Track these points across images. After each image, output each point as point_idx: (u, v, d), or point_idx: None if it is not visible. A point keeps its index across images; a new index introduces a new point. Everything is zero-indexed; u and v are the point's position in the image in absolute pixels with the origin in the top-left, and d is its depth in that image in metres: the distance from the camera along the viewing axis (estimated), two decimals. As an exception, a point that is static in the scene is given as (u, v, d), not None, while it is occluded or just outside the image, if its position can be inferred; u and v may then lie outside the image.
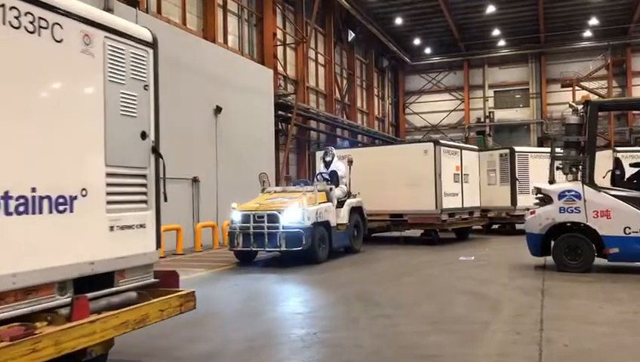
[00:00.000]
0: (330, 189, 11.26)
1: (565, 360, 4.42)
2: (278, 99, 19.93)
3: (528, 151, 17.04)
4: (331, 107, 26.75)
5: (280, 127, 21.14)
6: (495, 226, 17.48)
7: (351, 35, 29.32)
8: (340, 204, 11.49)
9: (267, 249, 10.26)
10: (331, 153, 12.48)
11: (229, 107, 15.51)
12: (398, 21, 31.17)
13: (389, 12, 30.21)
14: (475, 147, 16.35)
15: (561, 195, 8.60)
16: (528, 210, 14.98)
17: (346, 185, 12.00)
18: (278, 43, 22.16)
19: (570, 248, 8.66)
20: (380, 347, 4.84)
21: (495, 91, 37.76)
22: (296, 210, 10.05)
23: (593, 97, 27.91)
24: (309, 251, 10.01)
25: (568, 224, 8.74)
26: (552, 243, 8.90)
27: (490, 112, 37.45)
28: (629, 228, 8.18)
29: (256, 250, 10.37)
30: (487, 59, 37.08)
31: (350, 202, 11.80)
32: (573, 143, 8.82)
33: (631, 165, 9.32)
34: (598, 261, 8.70)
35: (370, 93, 33.62)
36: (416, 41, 35.23)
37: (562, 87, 34.28)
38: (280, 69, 22.02)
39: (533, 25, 32.95)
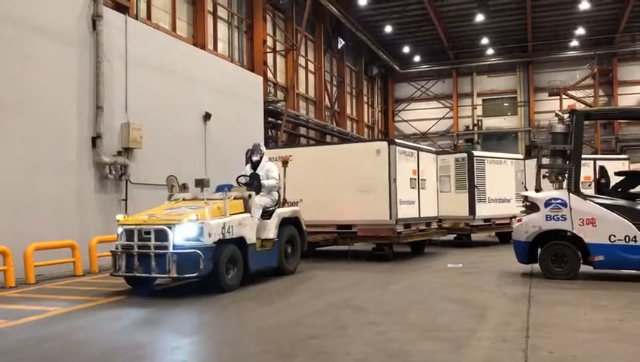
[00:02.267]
0: (250, 196, 8.86)
1: (550, 367, 4.45)
2: (267, 105, 19.97)
3: (485, 156, 15.73)
4: (321, 114, 26.83)
5: (270, 133, 21.16)
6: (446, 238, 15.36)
7: (341, 43, 29.47)
8: (268, 214, 9.31)
9: (154, 274, 7.77)
10: (259, 151, 9.90)
11: (218, 113, 15.51)
12: (388, 29, 31.37)
13: (378, 20, 30.41)
14: (433, 149, 14.78)
15: (547, 203, 8.69)
16: (486, 221, 14.73)
17: (277, 190, 9.82)
18: (268, 50, 22.21)
19: (556, 256, 8.73)
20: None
21: (483, 99, 38.08)
22: (191, 225, 7.72)
23: (580, 106, 28.25)
24: (211, 277, 7.78)
25: (554, 232, 8.82)
26: (539, 250, 8.97)
27: (478, 120, 37.74)
28: (614, 236, 8.27)
29: (140, 276, 7.88)
30: (476, 67, 37.42)
31: (281, 212, 9.56)
32: (560, 152, 8.90)
33: (616, 173, 9.45)
34: (584, 268, 8.78)
35: (360, 101, 33.75)
36: (406, 49, 35.45)
37: (550, 95, 34.72)
38: (270, 75, 22.06)
39: (521, 34, 33.31)
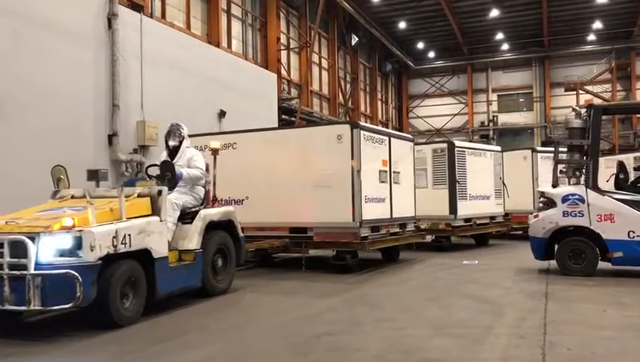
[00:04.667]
0: (159, 193, 6.45)
1: (569, 363, 4.41)
2: (281, 103, 19.99)
3: (467, 146, 13.75)
4: (335, 111, 26.80)
5: (284, 130, 21.19)
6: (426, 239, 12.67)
7: (354, 40, 29.39)
8: (190, 217, 7.13)
9: (7, 307, 5.30)
10: (178, 133, 7.58)
11: (232, 111, 15.58)
12: (402, 25, 31.24)
13: (392, 16, 30.28)
14: (409, 136, 12.51)
15: (564, 199, 8.59)
16: (467, 221, 12.97)
17: (204, 185, 7.61)
18: (282, 47, 22.24)
19: (573, 252, 8.64)
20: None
21: (499, 95, 37.77)
22: (62, 234, 5.38)
23: (597, 101, 27.90)
24: (98, 307, 5.49)
25: (572, 228, 8.73)
26: (556, 246, 8.88)
27: (493, 116, 37.46)
28: (633, 232, 8.16)
29: None
30: (491, 63, 37.11)
31: (207, 214, 7.21)
32: (577, 147, 8.81)
33: (635, 169, 9.32)
34: (602, 265, 8.67)
35: (374, 97, 33.66)
36: (420, 45, 35.29)
37: (566, 90, 34.29)
38: (284, 73, 22.08)
39: (536, 28, 32.96)
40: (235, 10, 19.27)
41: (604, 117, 9.20)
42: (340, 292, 7.80)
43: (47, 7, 10.42)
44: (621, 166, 9.16)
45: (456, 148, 12.91)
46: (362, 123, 10.09)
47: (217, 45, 16.89)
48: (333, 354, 4.80)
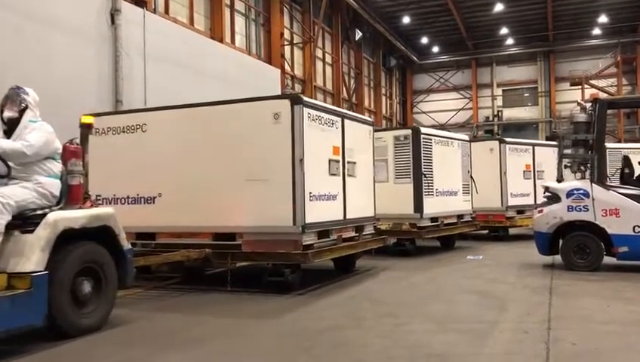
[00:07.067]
0: None
1: (573, 359, 4.40)
2: (285, 98, 19.96)
3: (433, 134, 11.78)
4: (339, 106, 26.71)
5: (287, 126, 21.15)
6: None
7: (358, 35, 29.32)
8: (32, 221, 4.91)
9: None
10: (17, 102, 5.25)
11: (236, 107, 15.55)
12: (406, 20, 31.15)
13: (396, 11, 30.19)
14: (369, 118, 10.33)
15: (569, 194, 8.56)
16: (433, 220, 11.08)
17: (60, 178, 5.32)
18: (286, 42, 22.21)
19: (578, 247, 8.61)
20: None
21: (503, 90, 37.66)
22: None
23: (602, 95, 27.78)
24: None
25: (577, 223, 8.69)
26: (561, 242, 8.85)
27: (498, 111, 37.35)
28: (639, 227, 8.13)
29: None
30: (496, 57, 36.99)
31: (60, 219, 4.99)
32: (582, 141, 8.79)
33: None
34: (607, 260, 8.65)
35: (378, 92, 33.59)
36: (424, 40, 35.19)
37: (571, 85, 34.18)
38: (287, 68, 22.07)
39: (541, 23, 32.80)
40: (239, 6, 19.25)
41: (609, 111, 9.16)
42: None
43: (50, 3, 10.41)
44: (626, 160, 9.11)
45: (422, 135, 11.02)
46: (307, 98, 7.75)
47: (221, 40, 16.87)
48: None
